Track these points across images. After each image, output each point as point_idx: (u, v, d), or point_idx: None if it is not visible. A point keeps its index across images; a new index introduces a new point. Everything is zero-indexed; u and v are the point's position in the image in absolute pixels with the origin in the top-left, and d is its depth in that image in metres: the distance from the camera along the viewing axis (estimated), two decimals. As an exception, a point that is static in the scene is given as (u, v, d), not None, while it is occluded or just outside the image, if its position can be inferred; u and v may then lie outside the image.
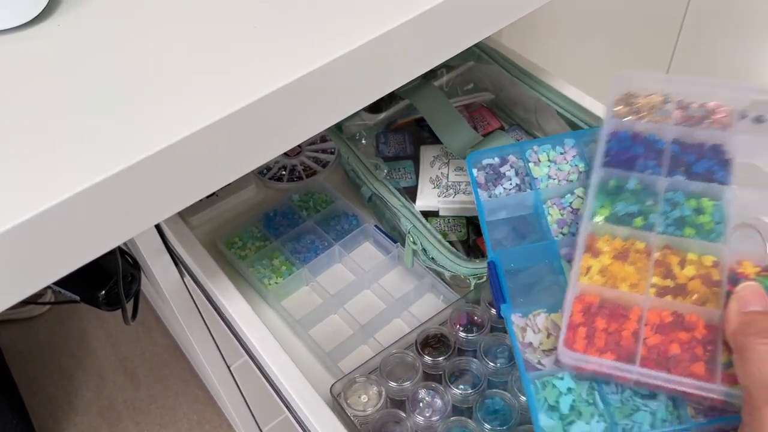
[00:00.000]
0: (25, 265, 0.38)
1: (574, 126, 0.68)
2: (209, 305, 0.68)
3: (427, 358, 0.57)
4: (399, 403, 0.57)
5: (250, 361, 0.63)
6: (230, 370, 0.90)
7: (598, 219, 0.46)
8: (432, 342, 0.59)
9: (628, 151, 0.49)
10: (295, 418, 0.57)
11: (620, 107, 0.53)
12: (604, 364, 0.40)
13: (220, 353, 0.86)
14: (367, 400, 0.56)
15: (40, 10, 0.46)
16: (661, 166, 0.48)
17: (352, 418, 0.55)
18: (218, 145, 0.42)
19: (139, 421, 1.34)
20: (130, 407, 1.36)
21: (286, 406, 0.59)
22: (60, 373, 1.41)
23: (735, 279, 0.41)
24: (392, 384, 0.56)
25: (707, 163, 0.48)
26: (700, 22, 1.30)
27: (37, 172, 0.38)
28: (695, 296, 0.41)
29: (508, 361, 0.57)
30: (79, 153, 0.39)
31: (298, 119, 0.45)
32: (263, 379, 0.62)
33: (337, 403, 0.56)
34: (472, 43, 0.53)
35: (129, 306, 0.87)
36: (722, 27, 1.33)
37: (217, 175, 0.44)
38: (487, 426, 0.53)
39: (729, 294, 0.40)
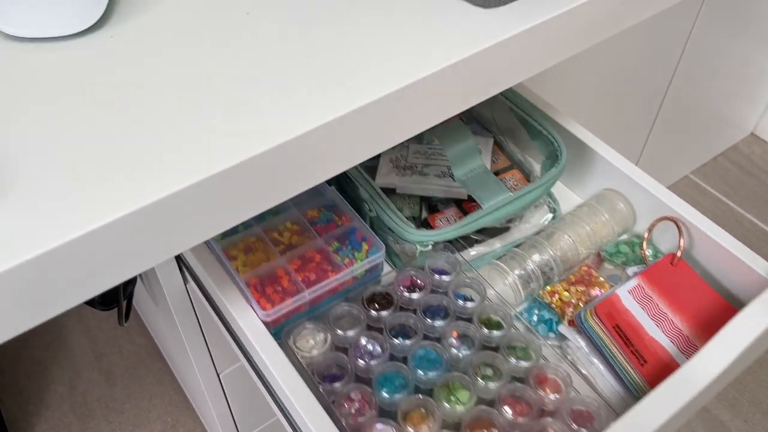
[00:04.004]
0: (49, 288, 0.38)
1: (524, 123, 0.77)
2: (213, 314, 0.69)
3: (372, 312, 0.64)
4: (344, 350, 0.63)
5: (253, 373, 0.64)
6: (219, 377, 0.91)
7: (219, 240, 0.67)
8: (378, 299, 0.65)
9: None
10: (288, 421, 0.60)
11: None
12: (289, 305, 0.61)
13: (212, 360, 0.87)
14: (313, 344, 0.61)
15: (95, 20, 0.47)
16: None
17: (300, 359, 0.60)
18: (249, 181, 0.43)
19: (112, 420, 1.33)
20: (104, 405, 1.34)
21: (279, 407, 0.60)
22: (34, 365, 1.39)
23: (312, 222, 0.70)
24: (338, 332, 0.62)
25: None
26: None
27: (71, 195, 0.38)
28: (303, 243, 0.67)
29: (443, 318, 0.64)
30: (121, 177, 0.40)
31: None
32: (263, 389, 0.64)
33: (286, 345, 0.61)
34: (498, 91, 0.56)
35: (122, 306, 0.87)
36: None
37: (244, 209, 0.45)
38: (420, 371, 0.59)
39: (317, 232, 0.69)
